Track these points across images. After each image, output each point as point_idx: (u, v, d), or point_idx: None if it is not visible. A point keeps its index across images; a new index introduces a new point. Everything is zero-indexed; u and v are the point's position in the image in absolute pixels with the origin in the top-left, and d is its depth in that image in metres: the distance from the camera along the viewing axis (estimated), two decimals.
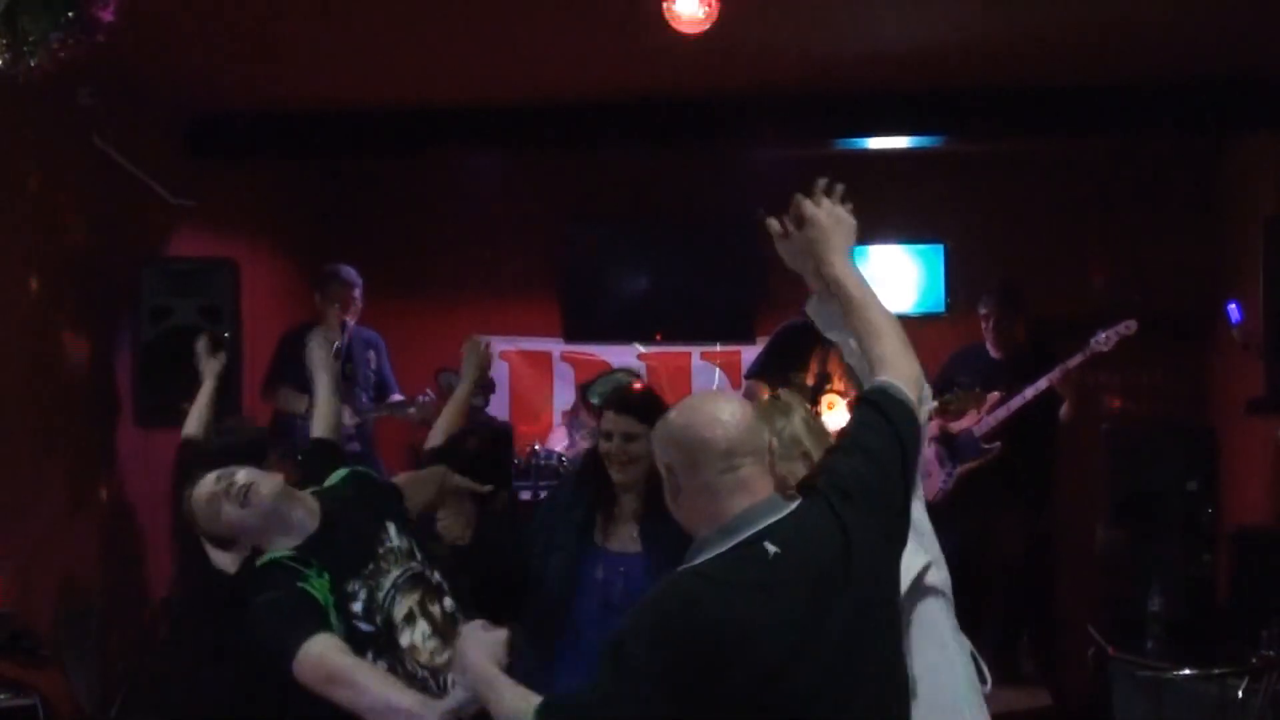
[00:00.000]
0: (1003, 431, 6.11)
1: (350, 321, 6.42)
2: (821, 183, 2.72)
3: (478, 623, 2.63)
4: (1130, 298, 6.73)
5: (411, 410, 6.28)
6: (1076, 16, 4.93)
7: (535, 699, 2.33)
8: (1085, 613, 6.00)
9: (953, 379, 6.18)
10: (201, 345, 5.08)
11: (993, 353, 6.37)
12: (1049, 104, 5.97)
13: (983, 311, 6.39)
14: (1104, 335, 5.96)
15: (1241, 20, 4.95)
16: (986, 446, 6.12)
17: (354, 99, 6.14)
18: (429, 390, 6.37)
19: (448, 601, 3.15)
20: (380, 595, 3.03)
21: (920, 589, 2.75)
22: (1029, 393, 6.04)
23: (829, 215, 2.71)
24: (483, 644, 2.53)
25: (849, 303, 2.72)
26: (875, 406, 2.45)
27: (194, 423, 4.66)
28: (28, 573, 5.13)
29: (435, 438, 3.86)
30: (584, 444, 6.56)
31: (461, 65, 5.60)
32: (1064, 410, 6.17)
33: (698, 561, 2.32)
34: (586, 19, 4.95)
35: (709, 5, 4.33)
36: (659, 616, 2.24)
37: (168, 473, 5.98)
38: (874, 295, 2.72)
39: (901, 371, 2.51)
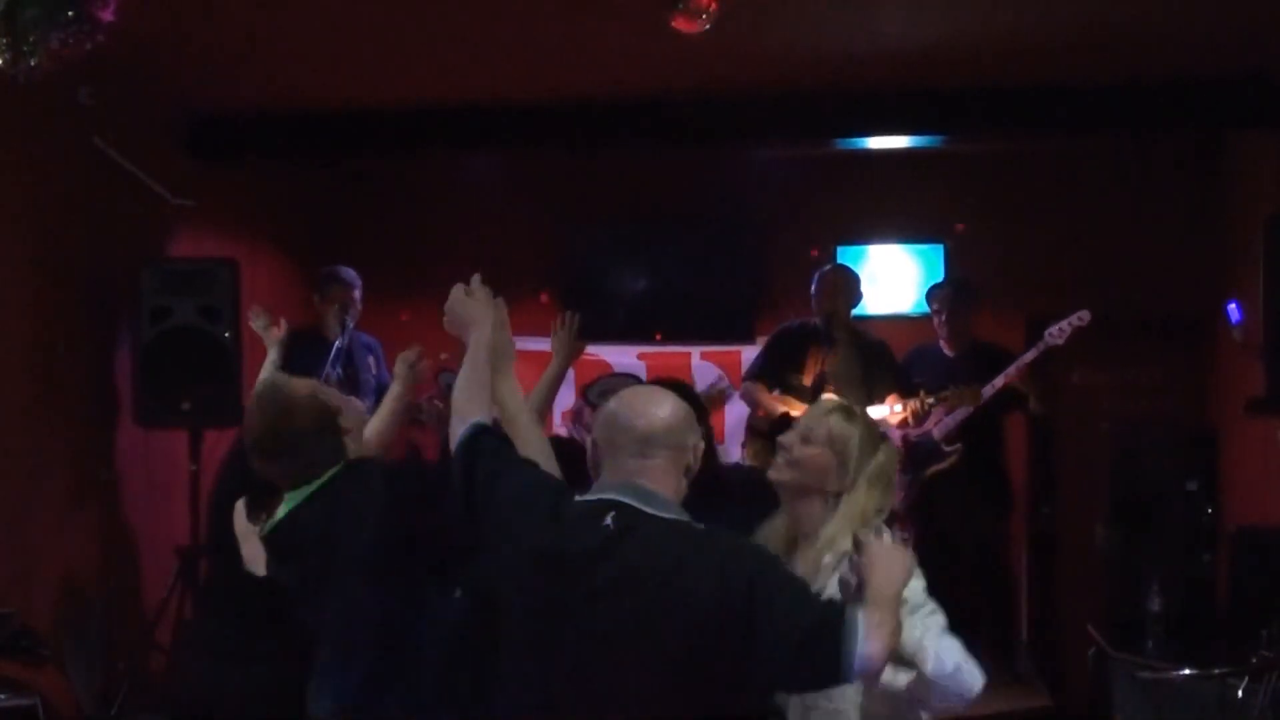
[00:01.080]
0: (962, 432, 6.08)
1: (350, 323, 6.41)
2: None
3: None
4: (1130, 298, 6.74)
5: (425, 413, 6.27)
6: (1077, 16, 4.93)
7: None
8: (1085, 613, 6.00)
9: (908, 379, 6.14)
10: (259, 323, 5.12)
11: (946, 350, 6.36)
12: (1049, 104, 5.98)
13: (934, 307, 6.38)
14: (1057, 328, 5.96)
15: (1242, 20, 4.95)
16: (948, 449, 6.08)
17: (354, 99, 6.14)
18: (430, 396, 6.36)
19: None
20: None
21: None
22: (987, 391, 6.02)
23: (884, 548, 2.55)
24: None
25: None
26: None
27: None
28: (28, 573, 5.13)
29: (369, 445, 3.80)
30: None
31: (462, 65, 5.60)
32: (1032, 403, 6.17)
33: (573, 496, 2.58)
34: (587, 19, 4.95)
35: (709, 5, 4.33)
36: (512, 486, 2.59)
37: (168, 472, 6.00)
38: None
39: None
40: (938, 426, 6.08)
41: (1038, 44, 5.29)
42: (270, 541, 3.35)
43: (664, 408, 2.60)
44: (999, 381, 6.01)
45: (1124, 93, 5.86)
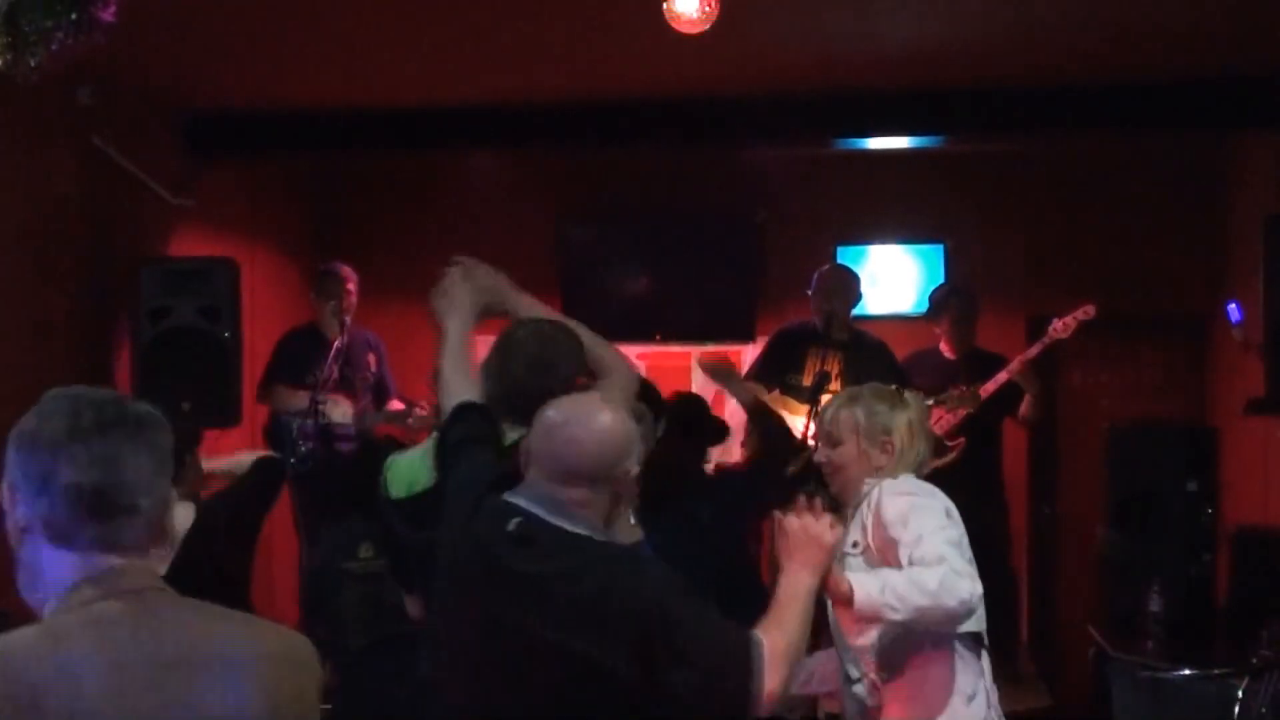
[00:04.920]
0: (961, 429, 6.08)
1: (348, 319, 6.40)
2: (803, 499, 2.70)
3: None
4: (1130, 298, 6.74)
5: (410, 421, 6.27)
6: (1077, 16, 4.93)
7: None
8: (1085, 613, 6.00)
9: (908, 382, 6.14)
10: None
11: (947, 354, 6.36)
12: (1049, 104, 5.97)
13: (939, 312, 6.36)
14: (1061, 322, 5.95)
15: (1242, 20, 4.95)
16: (950, 444, 6.08)
17: (354, 99, 6.14)
18: (424, 403, 6.35)
19: None
20: None
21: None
22: (990, 386, 6.02)
23: (800, 529, 2.60)
24: None
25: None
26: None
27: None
28: None
29: None
30: None
31: (462, 65, 5.60)
32: (1024, 407, 6.16)
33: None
34: (587, 19, 4.95)
35: (709, 5, 4.33)
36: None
37: None
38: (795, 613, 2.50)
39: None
40: (938, 423, 6.08)
41: (1038, 44, 5.29)
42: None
43: (594, 438, 2.47)
44: (1001, 376, 6.00)
45: (1124, 93, 5.85)
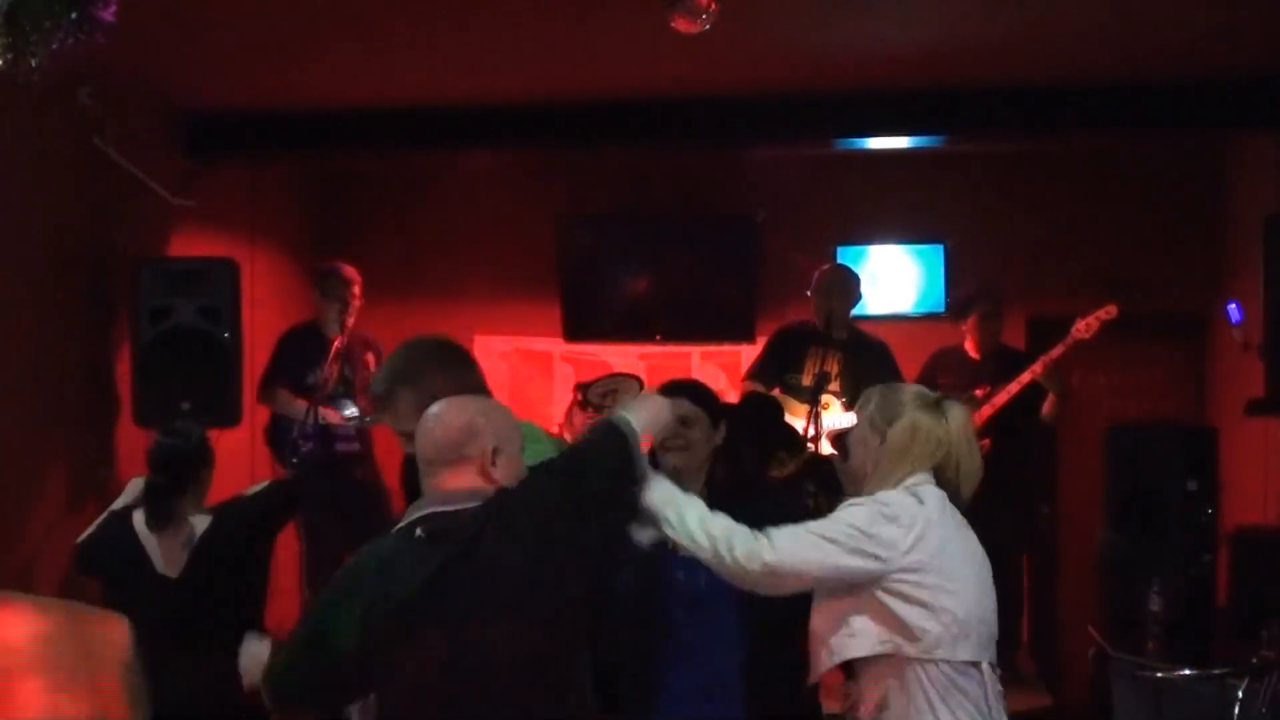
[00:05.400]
0: (985, 429, 6.08)
1: (350, 320, 6.41)
2: None
3: None
4: (1130, 298, 6.73)
5: None
6: (1076, 16, 4.93)
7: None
8: (1085, 613, 6.00)
9: (933, 380, 6.15)
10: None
11: (972, 354, 6.36)
12: (1049, 104, 5.97)
13: (969, 311, 6.36)
14: (1084, 322, 5.96)
15: (1242, 20, 4.95)
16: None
17: (354, 99, 6.14)
18: None
19: None
20: None
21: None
22: (1012, 386, 6.03)
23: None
24: None
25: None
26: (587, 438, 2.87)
27: None
28: (26, 572, 5.13)
29: None
30: None
31: (462, 64, 5.60)
32: (1047, 406, 6.15)
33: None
34: (587, 18, 4.95)
35: (709, 5, 4.33)
36: (329, 586, 2.71)
37: None
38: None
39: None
40: None
41: (1038, 44, 5.29)
42: None
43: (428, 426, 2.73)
44: (1024, 376, 6.01)
45: (1124, 93, 5.86)
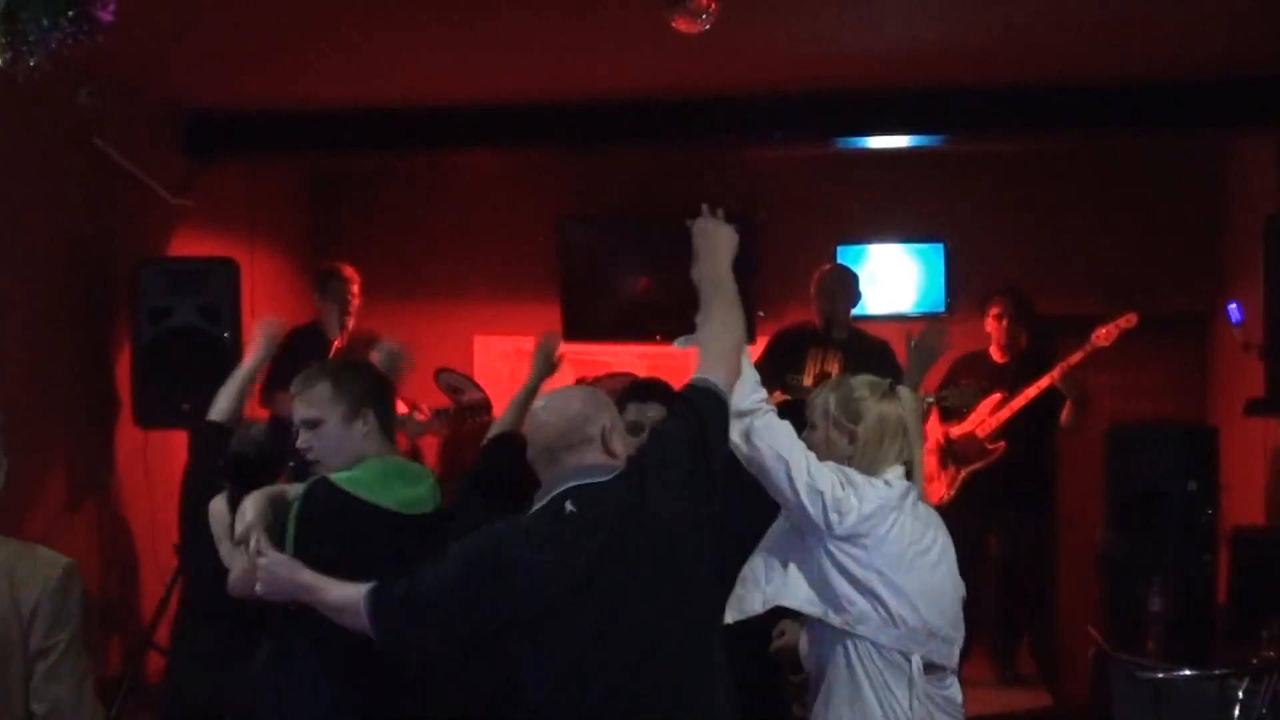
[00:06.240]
0: (1004, 432, 6.11)
1: (350, 320, 6.40)
2: (706, 207, 3.47)
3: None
4: (1130, 298, 6.73)
5: (407, 426, 6.27)
6: (1077, 16, 4.93)
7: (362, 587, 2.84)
8: (1085, 613, 6.00)
9: (956, 383, 6.17)
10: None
11: (996, 357, 6.36)
12: (1049, 104, 5.98)
13: (995, 312, 6.36)
14: (1104, 330, 5.98)
15: (1243, 20, 4.95)
16: (990, 447, 6.12)
17: (354, 99, 6.14)
18: (419, 405, 6.34)
19: None
20: None
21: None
22: (1031, 391, 6.05)
23: (701, 229, 3.48)
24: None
25: (703, 304, 3.43)
26: (687, 399, 3.01)
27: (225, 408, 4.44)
28: None
29: (497, 427, 4.11)
30: None
31: (462, 65, 5.60)
32: (1066, 413, 6.16)
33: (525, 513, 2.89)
34: (587, 18, 4.95)
35: (709, 5, 4.33)
36: (474, 552, 2.80)
37: (167, 472, 5.99)
38: (728, 304, 3.42)
39: (719, 374, 3.08)
40: (982, 425, 6.12)
41: (1038, 43, 5.29)
42: None
43: (541, 419, 2.97)
44: (1043, 382, 6.03)
45: (1125, 93, 5.86)
